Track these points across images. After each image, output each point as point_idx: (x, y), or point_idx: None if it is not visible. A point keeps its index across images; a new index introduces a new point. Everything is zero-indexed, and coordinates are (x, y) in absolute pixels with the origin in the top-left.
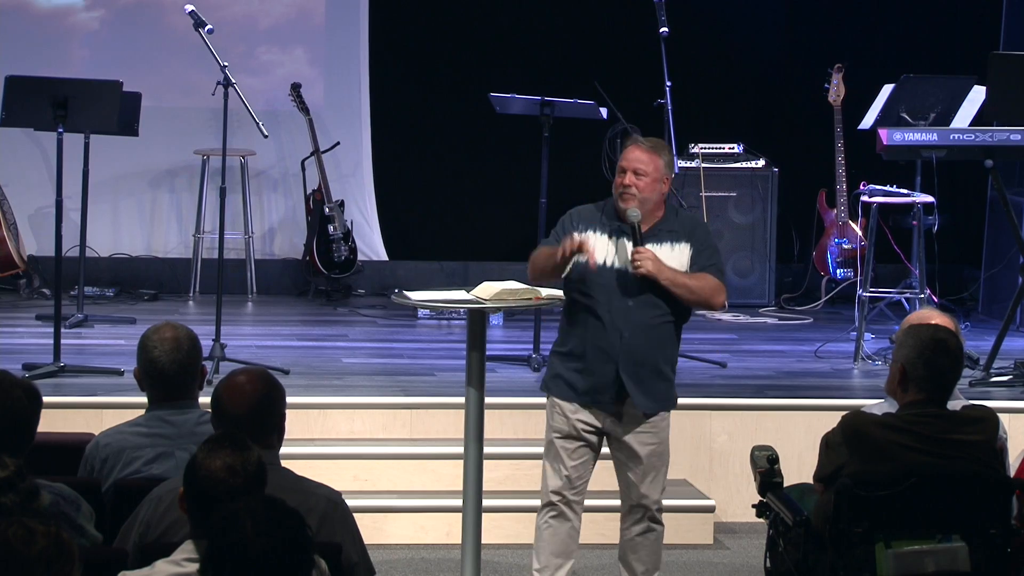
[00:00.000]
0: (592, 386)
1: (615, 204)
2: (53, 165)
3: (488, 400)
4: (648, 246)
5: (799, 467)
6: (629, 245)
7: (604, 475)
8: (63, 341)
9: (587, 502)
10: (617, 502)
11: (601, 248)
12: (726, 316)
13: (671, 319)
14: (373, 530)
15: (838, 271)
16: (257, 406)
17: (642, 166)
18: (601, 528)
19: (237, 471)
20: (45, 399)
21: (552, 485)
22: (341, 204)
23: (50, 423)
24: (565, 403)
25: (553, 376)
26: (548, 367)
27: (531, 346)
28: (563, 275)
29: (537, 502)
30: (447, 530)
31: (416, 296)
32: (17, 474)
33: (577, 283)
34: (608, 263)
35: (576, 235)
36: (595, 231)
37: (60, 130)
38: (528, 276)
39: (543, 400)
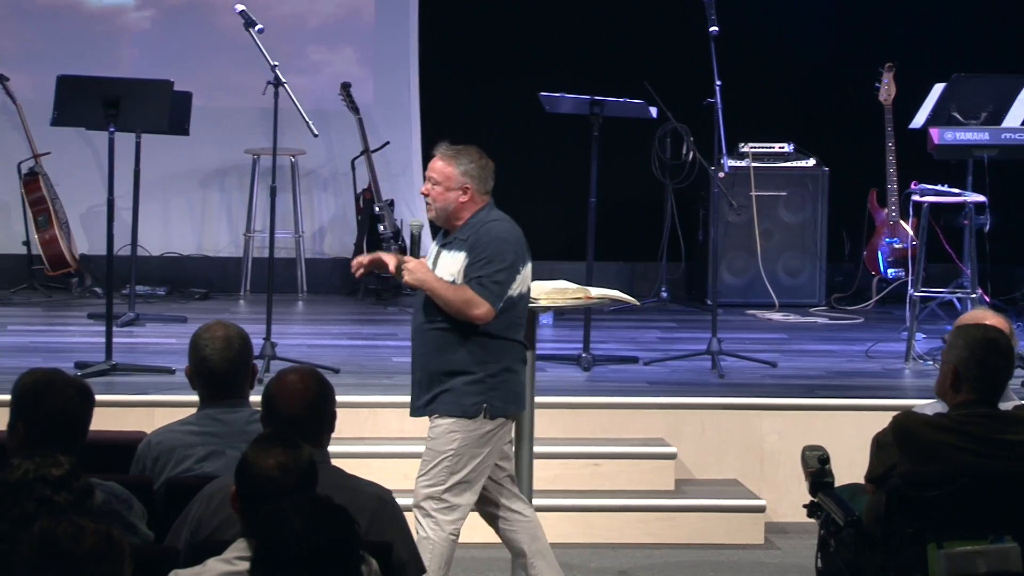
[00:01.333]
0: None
1: None
2: (105, 164)
3: (538, 399)
4: (441, 253)
5: (850, 467)
6: (439, 252)
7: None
8: (115, 340)
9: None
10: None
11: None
12: (777, 316)
13: (446, 326)
14: None
15: (889, 271)
16: (310, 405)
17: (435, 175)
18: (639, 528)
19: (290, 469)
20: (97, 398)
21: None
22: (391, 203)
23: (102, 422)
24: None
25: None
26: None
27: (581, 345)
28: None
29: (587, 501)
30: None
31: None
32: (71, 472)
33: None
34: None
35: (359, 258)
36: (437, 243)
37: (111, 129)
38: None
39: (592, 400)
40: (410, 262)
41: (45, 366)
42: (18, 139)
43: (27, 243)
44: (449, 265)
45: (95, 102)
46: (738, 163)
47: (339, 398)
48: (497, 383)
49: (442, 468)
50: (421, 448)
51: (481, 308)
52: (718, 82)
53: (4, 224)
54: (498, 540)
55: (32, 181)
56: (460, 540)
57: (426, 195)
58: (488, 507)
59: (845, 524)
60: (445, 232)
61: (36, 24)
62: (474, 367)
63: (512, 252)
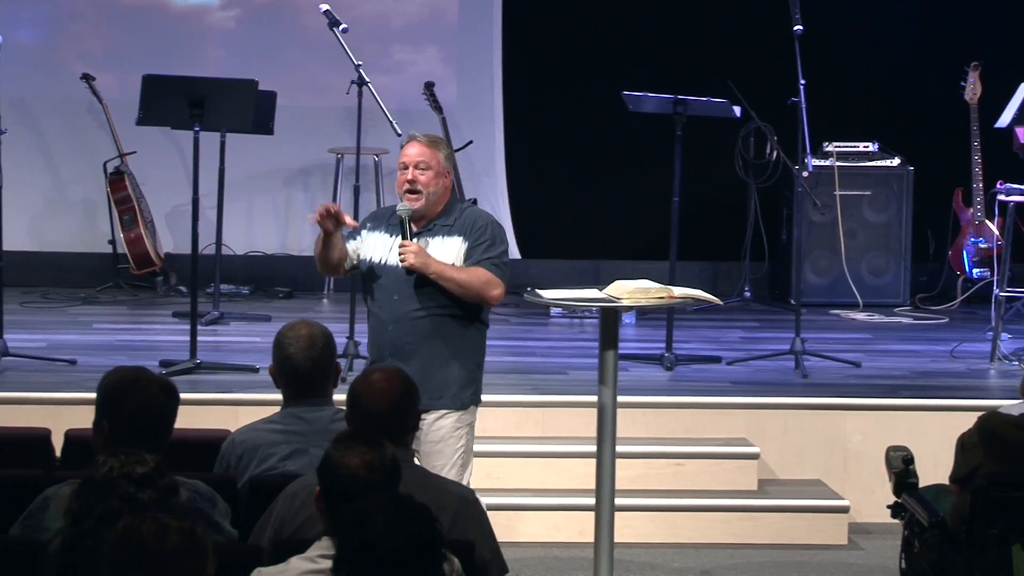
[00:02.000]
0: None
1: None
2: (189, 163)
3: (620, 399)
4: (422, 240)
5: (934, 468)
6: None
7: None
8: (199, 338)
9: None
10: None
11: (381, 246)
12: (860, 316)
13: (445, 312)
14: (506, 528)
15: (974, 270)
16: (395, 404)
17: (424, 159)
18: (721, 528)
19: (375, 467)
20: (182, 396)
21: None
22: (474, 202)
23: (186, 420)
24: None
25: None
26: None
27: (663, 345)
28: (345, 268)
29: (670, 501)
30: (579, 529)
31: (549, 294)
32: (155, 470)
33: (365, 285)
34: (384, 261)
35: (326, 204)
36: (381, 231)
37: (196, 129)
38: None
39: (675, 399)
40: (411, 245)
41: (130, 364)
42: (104, 138)
43: (112, 242)
44: (443, 251)
45: (180, 101)
46: (822, 162)
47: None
48: (479, 370)
49: (458, 468)
50: (503, 447)
51: (499, 288)
52: (802, 81)
53: (90, 223)
54: (581, 540)
55: (118, 180)
56: (542, 540)
57: (414, 181)
58: None
59: (929, 525)
60: (394, 221)
61: (122, 24)
62: (469, 355)
63: (505, 236)
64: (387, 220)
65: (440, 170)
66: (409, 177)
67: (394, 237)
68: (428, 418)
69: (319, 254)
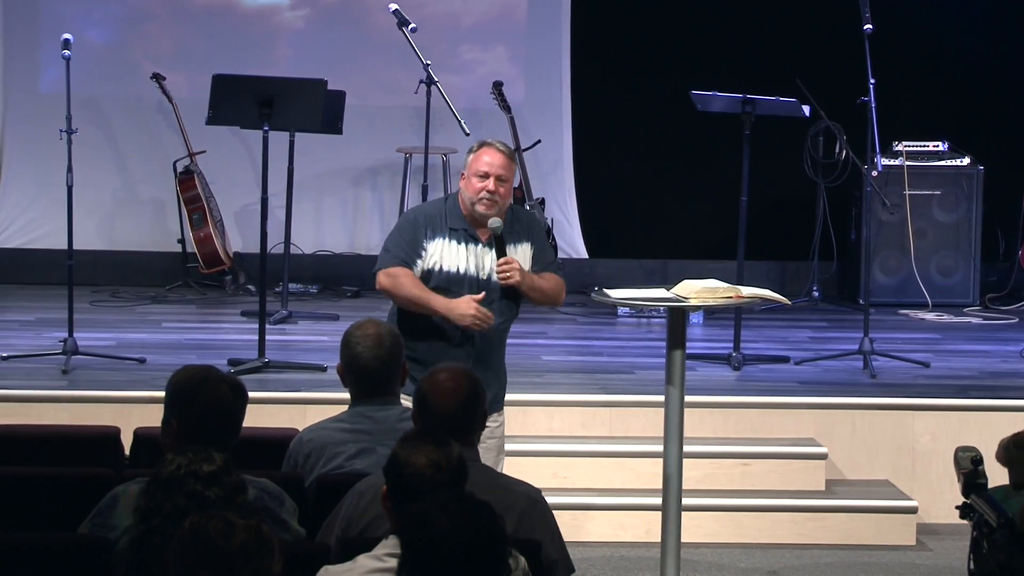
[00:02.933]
0: None
1: (466, 207)
2: (258, 163)
3: (688, 399)
4: (488, 248)
5: (1003, 468)
6: (484, 251)
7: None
8: (268, 337)
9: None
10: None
11: (453, 255)
12: (930, 316)
13: (510, 321)
14: (572, 528)
15: None
16: (461, 404)
17: (504, 172)
18: (789, 528)
19: (442, 466)
20: (250, 395)
21: None
22: (542, 202)
23: (254, 418)
24: None
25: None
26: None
27: (731, 345)
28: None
29: (737, 501)
30: (646, 528)
31: (616, 294)
32: (224, 469)
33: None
34: (461, 271)
35: (474, 305)
36: (444, 237)
37: (265, 128)
38: (387, 292)
39: (743, 399)
40: (515, 262)
41: (199, 363)
42: (174, 138)
43: (182, 241)
44: (519, 259)
45: (250, 101)
46: (892, 162)
47: None
48: None
49: (502, 462)
50: (571, 446)
51: (565, 291)
52: (872, 80)
53: (159, 222)
54: (647, 539)
55: (187, 179)
56: (609, 540)
57: (494, 192)
58: None
59: (998, 526)
60: (465, 228)
61: (192, 24)
62: None
63: None
64: (445, 224)
65: (513, 181)
66: (491, 188)
67: (467, 245)
68: (494, 421)
69: (409, 304)
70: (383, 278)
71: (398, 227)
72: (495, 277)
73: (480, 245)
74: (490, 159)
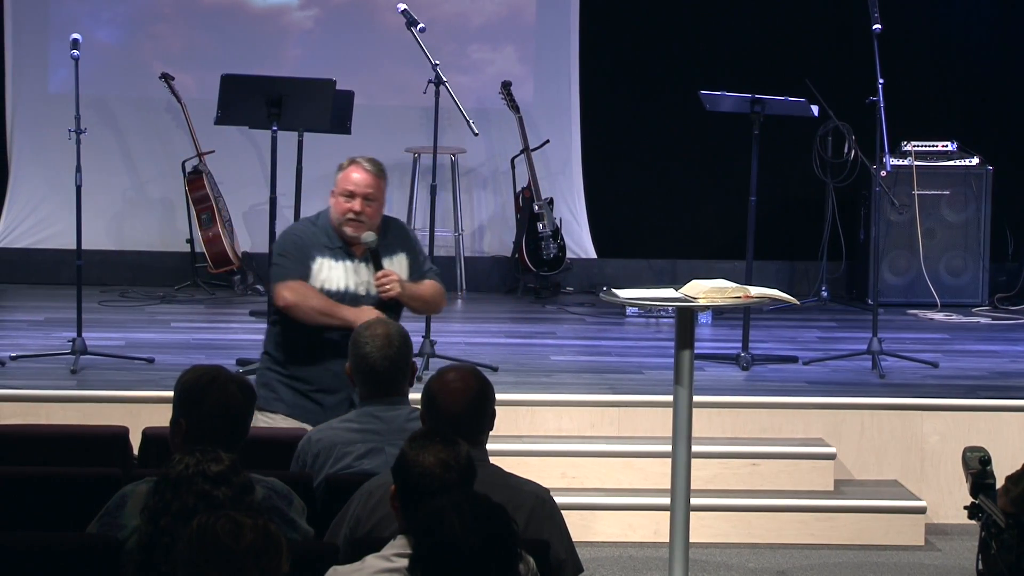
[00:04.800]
0: (325, 409)
1: (334, 226)
2: (267, 163)
3: (696, 399)
4: (365, 263)
5: (1012, 468)
6: (360, 266)
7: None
8: None
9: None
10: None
11: (336, 273)
12: (939, 316)
13: None
14: (581, 527)
15: None
16: (470, 404)
17: (372, 191)
18: (797, 528)
19: (450, 465)
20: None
21: None
22: (550, 202)
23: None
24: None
25: (274, 395)
26: (266, 381)
27: (740, 345)
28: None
29: (746, 501)
30: (655, 528)
31: (625, 294)
32: (231, 469)
33: None
34: (343, 287)
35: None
36: (323, 256)
37: (274, 128)
38: (291, 306)
39: (752, 399)
40: (392, 273)
41: (207, 363)
42: (182, 137)
43: (190, 241)
44: (396, 270)
45: (258, 101)
46: (900, 162)
47: (497, 396)
48: None
49: None
50: (579, 446)
51: (445, 297)
52: (881, 80)
53: (168, 222)
54: (656, 539)
55: (196, 179)
56: (617, 540)
57: (360, 213)
58: None
59: (1006, 526)
60: (340, 245)
61: (201, 24)
62: None
63: None
64: (323, 243)
65: (383, 200)
66: (357, 208)
67: (345, 262)
68: None
69: (315, 316)
70: (285, 292)
71: (282, 247)
72: (373, 291)
73: (356, 260)
74: (358, 177)
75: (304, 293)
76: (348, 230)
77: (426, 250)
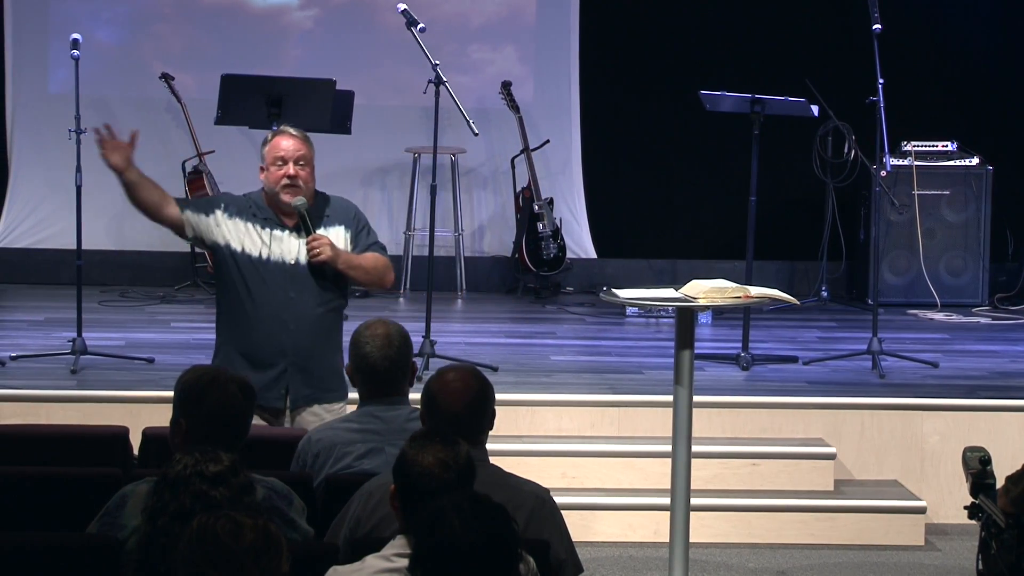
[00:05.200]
0: (260, 385)
1: (269, 199)
2: None
3: (696, 399)
4: (296, 234)
5: (1012, 468)
6: (287, 235)
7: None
8: None
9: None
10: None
11: (255, 239)
12: (939, 316)
13: (335, 305)
14: (581, 527)
15: None
16: (470, 404)
17: (302, 153)
18: (798, 528)
19: (449, 465)
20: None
21: None
22: (550, 202)
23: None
24: None
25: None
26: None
27: (740, 345)
28: (186, 235)
29: (746, 501)
30: (655, 528)
31: (625, 294)
32: (231, 469)
33: (227, 278)
34: (264, 256)
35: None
36: (246, 220)
37: (274, 128)
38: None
39: (752, 399)
40: (323, 237)
41: (207, 363)
42: (182, 137)
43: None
44: (332, 239)
45: (259, 101)
46: (900, 162)
47: (497, 396)
48: None
49: None
50: (579, 446)
51: (393, 271)
52: (881, 80)
53: None
54: (656, 539)
55: (196, 179)
56: (617, 540)
57: (295, 176)
58: None
59: (1006, 526)
60: (268, 216)
61: (201, 24)
62: (340, 345)
63: None
64: (251, 211)
65: (313, 165)
66: (291, 172)
67: (272, 231)
68: (328, 411)
69: (129, 194)
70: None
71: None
72: (303, 259)
73: (286, 231)
74: (287, 144)
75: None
76: (286, 197)
77: (376, 234)
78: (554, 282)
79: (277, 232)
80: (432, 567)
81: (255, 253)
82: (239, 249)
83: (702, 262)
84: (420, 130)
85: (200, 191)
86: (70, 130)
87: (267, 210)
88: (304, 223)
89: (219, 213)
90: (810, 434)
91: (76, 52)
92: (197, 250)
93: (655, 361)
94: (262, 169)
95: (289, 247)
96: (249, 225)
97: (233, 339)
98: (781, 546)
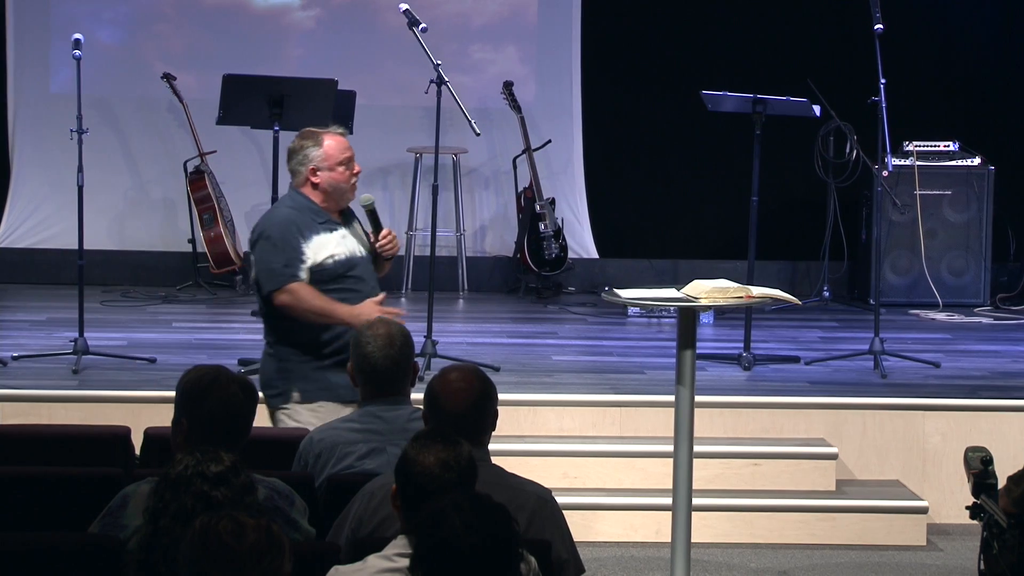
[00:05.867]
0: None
1: (323, 200)
2: (269, 163)
3: (698, 399)
4: (348, 228)
5: (1014, 468)
6: (347, 233)
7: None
8: None
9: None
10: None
11: (339, 242)
12: (940, 316)
13: None
14: (582, 527)
15: None
16: (472, 404)
17: (353, 153)
18: (799, 528)
19: (451, 466)
20: (260, 394)
21: None
22: (552, 202)
23: (265, 418)
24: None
25: (318, 385)
26: (299, 379)
27: (742, 345)
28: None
29: (748, 501)
30: (656, 528)
31: (626, 294)
32: (232, 469)
33: (333, 282)
34: (348, 254)
35: (377, 307)
36: (318, 233)
37: (276, 128)
38: (289, 309)
39: (753, 399)
40: (393, 232)
41: (209, 363)
42: (184, 138)
43: (192, 241)
44: (361, 239)
45: (260, 101)
46: (902, 162)
47: (499, 396)
48: None
49: None
50: (581, 446)
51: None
52: (882, 80)
53: (170, 222)
54: (657, 539)
55: (198, 179)
56: (619, 540)
57: (359, 173)
58: None
59: (1008, 526)
60: (327, 219)
61: (203, 24)
62: None
63: None
64: (315, 220)
65: None
66: (358, 169)
67: (338, 231)
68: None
69: (312, 317)
70: (284, 296)
71: (272, 244)
72: (362, 252)
73: (342, 229)
74: (344, 142)
75: (300, 296)
76: (352, 194)
77: None
78: (556, 282)
79: (340, 230)
80: (433, 567)
81: (344, 255)
82: (331, 258)
83: (704, 262)
84: (422, 130)
85: (201, 191)
86: (72, 130)
87: (324, 213)
88: (374, 218)
89: (304, 247)
90: (812, 434)
91: (78, 52)
92: (199, 250)
93: (657, 361)
94: (313, 171)
95: (354, 241)
96: (323, 235)
97: (338, 339)
98: (783, 546)
